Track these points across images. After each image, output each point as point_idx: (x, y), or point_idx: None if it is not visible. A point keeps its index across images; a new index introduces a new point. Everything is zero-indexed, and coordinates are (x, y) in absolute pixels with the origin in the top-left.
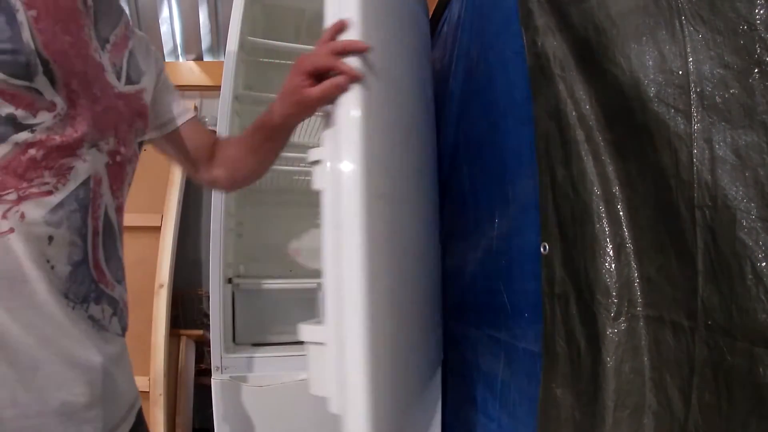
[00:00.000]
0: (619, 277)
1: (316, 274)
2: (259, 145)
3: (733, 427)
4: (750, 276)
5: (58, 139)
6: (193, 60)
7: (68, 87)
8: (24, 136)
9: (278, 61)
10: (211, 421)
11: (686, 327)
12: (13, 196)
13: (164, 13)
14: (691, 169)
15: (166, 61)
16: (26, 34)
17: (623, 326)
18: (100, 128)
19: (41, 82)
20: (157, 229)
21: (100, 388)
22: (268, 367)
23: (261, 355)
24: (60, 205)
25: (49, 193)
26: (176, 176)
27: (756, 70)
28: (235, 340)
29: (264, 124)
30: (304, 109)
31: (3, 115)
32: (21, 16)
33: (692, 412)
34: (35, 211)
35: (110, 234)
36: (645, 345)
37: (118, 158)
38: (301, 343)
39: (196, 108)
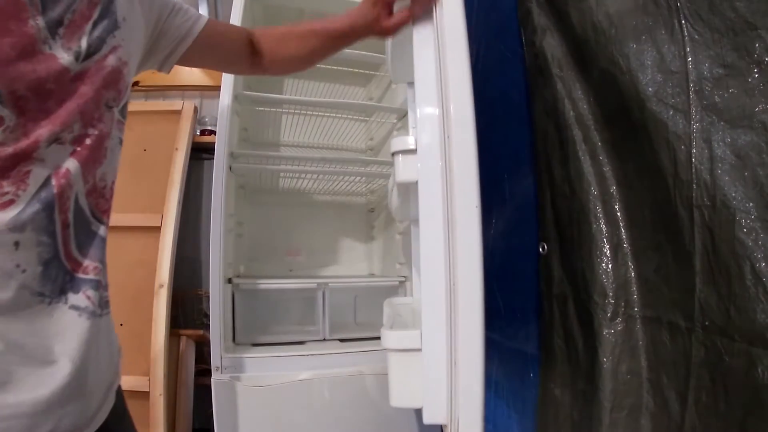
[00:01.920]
0: (616, 277)
1: (316, 274)
2: (311, 41)
3: (729, 427)
4: (749, 276)
5: (10, 149)
6: None
7: (14, 95)
8: None
9: None
10: (211, 421)
11: (683, 328)
12: None
13: None
14: (689, 169)
15: None
16: None
17: (620, 327)
18: (63, 120)
19: None
20: (157, 229)
21: (78, 380)
22: (268, 367)
23: (261, 355)
24: (23, 210)
25: (11, 202)
26: (176, 176)
27: (755, 70)
28: (235, 340)
29: (327, 30)
30: (375, 35)
31: None
32: None
33: (689, 413)
34: None
35: (81, 220)
36: (642, 345)
37: (88, 141)
38: (301, 343)
39: (196, 108)
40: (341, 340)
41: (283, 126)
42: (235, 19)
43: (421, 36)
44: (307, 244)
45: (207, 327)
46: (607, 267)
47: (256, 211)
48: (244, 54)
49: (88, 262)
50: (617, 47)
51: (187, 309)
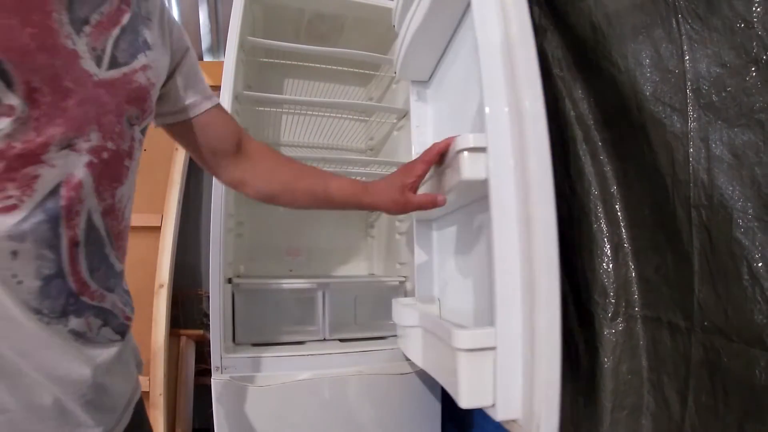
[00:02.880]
0: (616, 277)
1: (316, 274)
2: (315, 192)
3: (728, 429)
4: (746, 277)
5: (18, 146)
6: None
7: (28, 85)
8: None
9: (278, 61)
10: (211, 421)
11: (683, 328)
12: None
13: None
14: (687, 168)
15: None
16: None
17: (621, 327)
18: (76, 125)
19: None
20: (157, 229)
21: (90, 396)
22: (268, 367)
23: (261, 355)
24: (25, 218)
25: (14, 207)
26: (176, 176)
27: (752, 69)
28: (235, 340)
29: (330, 195)
30: (398, 208)
31: None
32: None
33: (689, 413)
34: None
35: (96, 241)
36: (642, 346)
37: (105, 155)
38: (301, 343)
39: None
40: (341, 340)
41: (283, 126)
42: (235, 19)
43: (486, 35)
44: (307, 244)
45: (207, 327)
46: (608, 267)
47: (256, 211)
48: (226, 161)
49: (96, 288)
50: (616, 46)
51: (187, 309)
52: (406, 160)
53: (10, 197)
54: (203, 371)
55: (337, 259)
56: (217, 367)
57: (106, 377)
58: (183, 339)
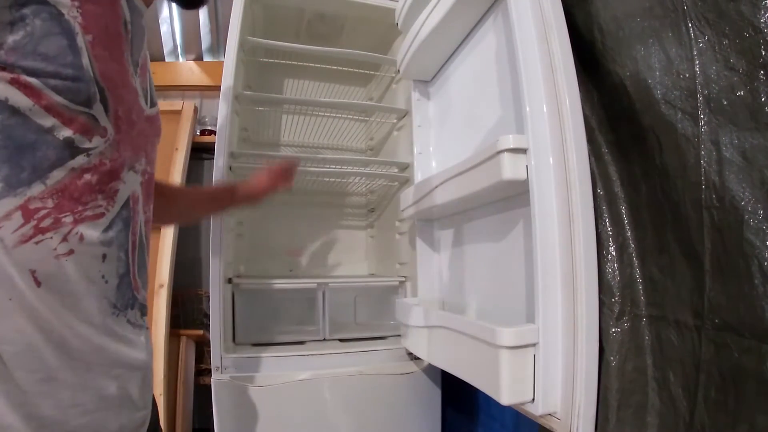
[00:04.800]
0: (622, 276)
1: (316, 274)
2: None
3: (740, 423)
4: (757, 275)
5: (108, 164)
6: (193, 60)
7: (116, 114)
8: (80, 161)
9: (278, 61)
10: (211, 421)
11: (692, 325)
12: (69, 219)
13: (164, 13)
14: (698, 171)
15: (166, 61)
16: (85, 61)
17: (626, 325)
18: (136, 151)
19: (98, 109)
20: (157, 229)
21: (142, 380)
22: (268, 367)
23: (261, 355)
24: (110, 226)
25: (102, 215)
26: (176, 176)
27: (761, 73)
28: (235, 340)
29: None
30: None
31: (61, 138)
32: (80, 41)
33: (698, 409)
34: (91, 232)
35: (142, 246)
36: (648, 344)
37: (147, 176)
38: (301, 343)
39: (196, 108)
40: (341, 340)
41: (283, 126)
42: (235, 19)
43: (526, 36)
44: (307, 244)
45: (207, 327)
46: (613, 266)
47: (256, 211)
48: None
49: (140, 284)
50: (625, 49)
51: (187, 309)
52: (406, 160)
53: (99, 206)
54: (203, 371)
55: (337, 259)
56: (217, 367)
57: (152, 362)
58: (183, 339)
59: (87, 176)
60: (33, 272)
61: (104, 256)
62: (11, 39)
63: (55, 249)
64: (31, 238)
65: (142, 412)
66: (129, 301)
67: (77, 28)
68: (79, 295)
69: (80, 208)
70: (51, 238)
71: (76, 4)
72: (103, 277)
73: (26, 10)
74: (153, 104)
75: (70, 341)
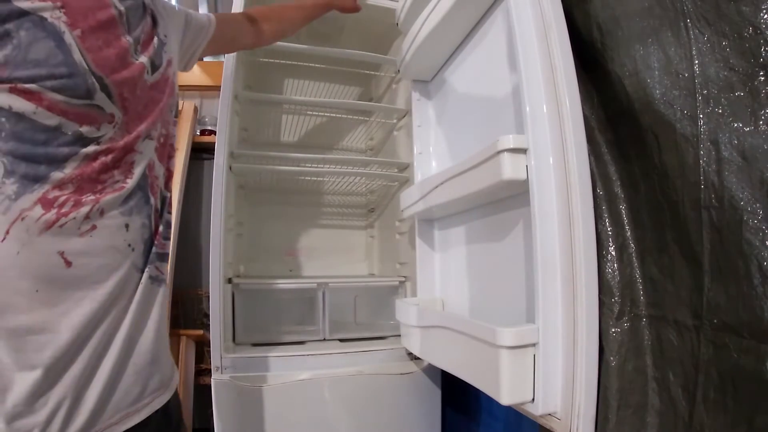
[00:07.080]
0: (621, 277)
1: (316, 274)
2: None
3: (739, 423)
4: (756, 275)
5: (121, 143)
6: None
7: (121, 96)
8: (92, 148)
9: (278, 61)
10: (211, 421)
11: (691, 326)
12: (91, 197)
13: None
14: (697, 171)
15: None
16: (77, 56)
17: (626, 326)
18: (150, 122)
19: (101, 98)
20: None
21: (161, 340)
22: (268, 367)
23: (261, 355)
24: (129, 196)
25: (121, 188)
26: (176, 176)
27: (761, 73)
28: (235, 340)
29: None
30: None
31: (69, 133)
32: (68, 38)
33: (697, 409)
34: (111, 206)
35: (164, 204)
36: (648, 344)
37: (162, 139)
38: (301, 343)
39: (196, 108)
40: (341, 340)
41: (283, 126)
42: None
43: (526, 36)
44: (307, 244)
45: (207, 327)
46: (613, 266)
47: (256, 211)
48: (249, 36)
49: (162, 239)
50: (623, 49)
51: (187, 309)
52: (406, 160)
53: (117, 181)
54: (203, 371)
55: (337, 259)
56: (217, 367)
57: (164, 319)
58: (183, 339)
59: (102, 158)
60: (62, 253)
61: (127, 226)
62: (1, 55)
63: (79, 228)
64: (54, 222)
65: (158, 376)
66: (151, 258)
67: (63, 27)
68: (110, 266)
69: (99, 187)
70: (74, 218)
71: (58, 4)
72: (129, 245)
73: (9, 25)
74: (155, 69)
75: (104, 312)
